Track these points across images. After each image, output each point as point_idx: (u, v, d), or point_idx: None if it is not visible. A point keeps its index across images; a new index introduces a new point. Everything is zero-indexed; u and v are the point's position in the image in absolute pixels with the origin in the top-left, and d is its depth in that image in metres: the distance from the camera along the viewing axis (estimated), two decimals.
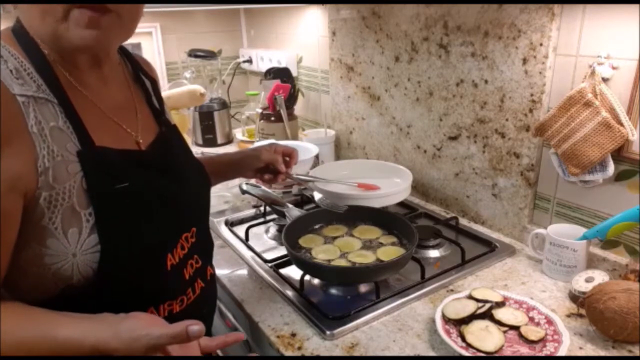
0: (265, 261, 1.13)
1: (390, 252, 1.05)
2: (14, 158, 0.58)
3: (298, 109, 1.99)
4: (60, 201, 0.61)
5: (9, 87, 0.59)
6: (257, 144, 1.66)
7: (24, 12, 0.65)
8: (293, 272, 1.08)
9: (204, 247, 0.84)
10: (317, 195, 1.18)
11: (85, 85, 0.70)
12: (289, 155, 1.09)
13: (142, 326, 0.58)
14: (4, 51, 0.62)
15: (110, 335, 0.57)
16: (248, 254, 1.18)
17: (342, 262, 1.03)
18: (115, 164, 0.67)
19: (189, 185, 0.79)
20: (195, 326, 0.58)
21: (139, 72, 0.83)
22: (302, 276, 1.01)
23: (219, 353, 1.25)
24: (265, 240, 1.27)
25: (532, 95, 1.10)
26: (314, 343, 0.88)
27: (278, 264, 1.11)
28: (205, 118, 2.04)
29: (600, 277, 0.95)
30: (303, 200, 1.46)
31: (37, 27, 0.64)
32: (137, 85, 0.82)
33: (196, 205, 0.82)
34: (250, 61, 2.23)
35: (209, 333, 0.91)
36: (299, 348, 0.87)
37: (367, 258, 1.04)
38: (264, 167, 1.06)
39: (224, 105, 2.09)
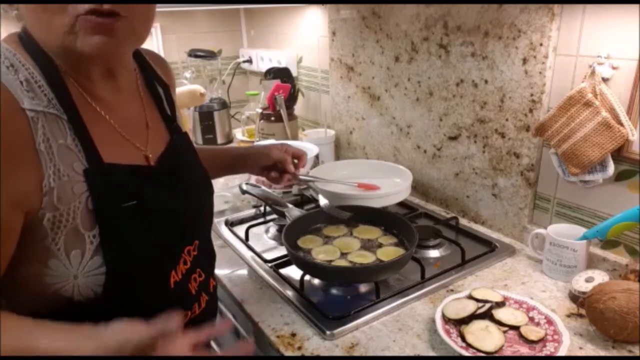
0: (265, 261, 1.13)
1: (390, 252, 1.05)
2: (19, 175, 0.56)
3: (298, 109, 1.99)
4: (64, 222, 0.59)
5: (19, 100, 0.57)
6: (257, 145, 1.67)
7: (29, 24, 0.63)
8: (293, 272, 1.08)
9: (206, 259, 0.82)
10: (322, 201, 1.17)
11: (98, 98, 0.67)
12: (298, 158, 1.08)
13: (125, 331, 0.57)
14: (15, 60, 0.60)
15: (94, 347, 0.55)
16: (248, 254, 1.18)
17: (343, 263, 1.03)
18: (124, 181, 0.65)
19: (194, 198, 0.78)
20: (173, 320, 0.57)
21: (152, 79, 0.81)
22: (302, 276, 1.01)
23: (217, 351, 1.25)
24: (265, 240, 1.27)
25: (532, 95, 1.10)
26: (314, 343, 0.88)
27: (278, 264, 1.11)
28: (205, 118, 2.04)
29: (600, 277, 0.95)
30: (303, 200, 1.46)
31: (45, 40, 0.61)
32: (149, 92, 0.80)
33: (200, 217, 0.81)
34: (250, 61, 2.23)
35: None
36: (299, 348, 0.87)
37: (367, 258, 1.04)
38: (271, 165, 1.05)
39: (224, 105, 2.09)
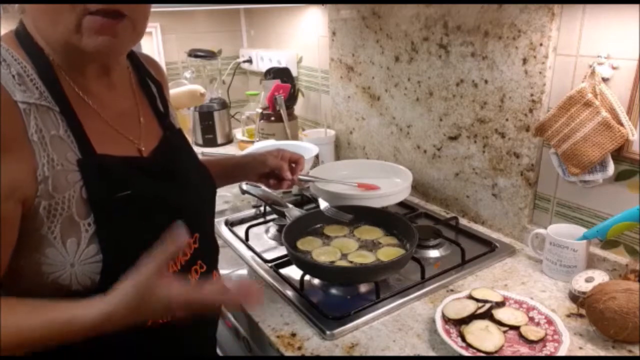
0: (265, 261, 1.13)
1: (390, 252, 1.05)
2: (13, 164, 0.58)
3: (298, 109, 1.99)
4: (60, 211, 0.61)
5: (10, 93, 0.59)
6: (257, 145, 1.67)
7: (32, 19, 0.64)
8: (293, 272, 1.08)
9: (208, 252, 0.83)
10: (323, 204, 1.17)
11: (90, 93, 0.69)
12: (296, 162, 1.07)
13: (126, 283, 0.58)
14: (8, 55, 0.62)
15: (97, 311, 0.57)
16: (248, 254, 1.18)
17: (343, 263, 1.03)
18: (117, 171, 0.66)
19: (192, 191, 0.78)
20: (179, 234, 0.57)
21: (145, 77, 0.82)
22: (302, 276, 1.01)
23: (219, 352, 1.25)
24: (265, 240, 1.27)
25: (532, 95, 1.10)
26: (314, 343, 0.88)
27: (278, 264, 1.11)
28: (205, 118, 2.04)
29: (600, 277, 0.95)
30: (303, 200, 1.46)
31: (48, 35, 0.63)
32: (142, 89, 0.81)
33: (199, 211, 0.81)
34: (250, 61, 2.23)
35: (214, 337, 0.91)
36: (299, 348, 0.87)
37: (367, 258, 1.04)
38: (269, 172, 1.05)
39: (224, 105, 2.09)
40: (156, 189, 0.71)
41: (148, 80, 0.82)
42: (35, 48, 0.64)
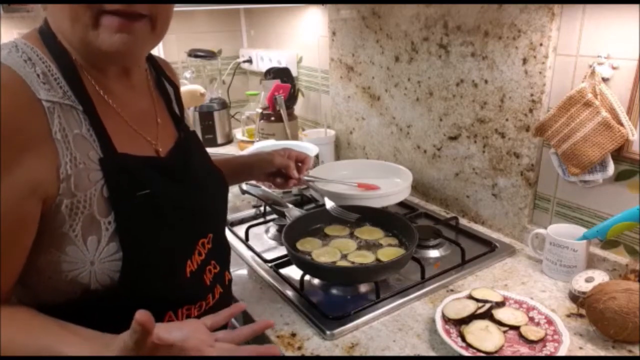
0: (265, 261, 1.13)
1: (390, 252, 1.05)
2: (36, 163, 0.58)
3: (298, 109, 1.99)
4: (81, 209, 0.61)
5: (35, 92, 0.59)
6: (257, 145, 1.67)
7: (53, 16, 0.65)
8: (293, 272, 1.08)
9: (221, 252, 0.84)
10: (329, 204, 1.17)
11: (111, 93, 0.70)
12: (302, 161, 1.08)
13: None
14: (33, 54, 0.62)
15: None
16: (248, 254, 1.18)
17: (343, 263, 1.03)
18: (137, 170, 0.67)
19: (206, 192, 0.79)
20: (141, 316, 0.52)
21: (162, 78, 0.83)
22: (302, 276, 1.01)
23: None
24: (265, 240, 1.27)
25: (532, 95, 1.10)
26: (314, 343, 0.88)
27: (278, 264, 1.11)
28: (205, 118, 2.04)
29: (600, 277, 0.95)
30: (303, 200, 1.46)
31: (67, 33, 0.64)
32: (159, 91, 0.82)
33: (213, 212, 0.82)
34: (250, 61, 2.23)
35: None
36: (299, 348, 0.87)
37: (367, 258, 1.04)
38: (276, 171, 1.06)
39: (224, 105, 2.09)
40: (173, 190, 0.72)
41: (165, 82, 0.84)
42: (59, 47, 0.64)
